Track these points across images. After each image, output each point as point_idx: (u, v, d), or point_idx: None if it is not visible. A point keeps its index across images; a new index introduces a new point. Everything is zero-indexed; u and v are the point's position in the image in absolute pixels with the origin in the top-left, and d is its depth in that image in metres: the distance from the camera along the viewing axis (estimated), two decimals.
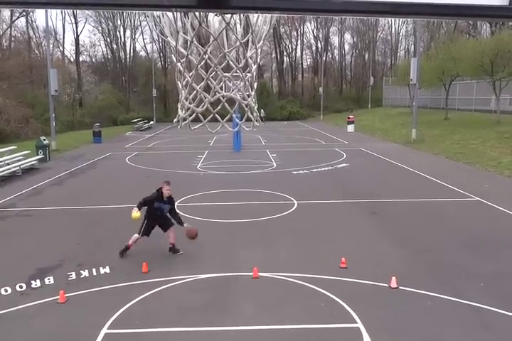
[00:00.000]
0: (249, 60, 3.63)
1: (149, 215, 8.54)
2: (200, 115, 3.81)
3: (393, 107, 50.45)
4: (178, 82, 3.71)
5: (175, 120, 3.87)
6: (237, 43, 3.46)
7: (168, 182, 8.63)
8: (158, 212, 8.52)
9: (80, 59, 58.85)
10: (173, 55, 3.67)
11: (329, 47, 68.71)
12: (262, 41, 3.60)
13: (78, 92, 49.50)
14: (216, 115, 3.87)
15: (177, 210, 8.89)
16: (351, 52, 71.36)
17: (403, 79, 37.16)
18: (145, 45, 68.14)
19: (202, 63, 3.68)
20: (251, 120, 3.94)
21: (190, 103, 3.68)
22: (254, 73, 3.78)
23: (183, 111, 3.73)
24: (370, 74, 59.63)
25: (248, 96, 3.84)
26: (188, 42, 3.43)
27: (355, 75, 70.00)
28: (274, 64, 68.68)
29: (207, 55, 3.47)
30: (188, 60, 3.57)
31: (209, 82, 3.80)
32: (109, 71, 61.26)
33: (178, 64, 3.58)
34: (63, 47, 57.94)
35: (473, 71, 28.53)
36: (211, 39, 3.28)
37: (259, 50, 3.59)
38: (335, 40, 70.11)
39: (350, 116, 36.47)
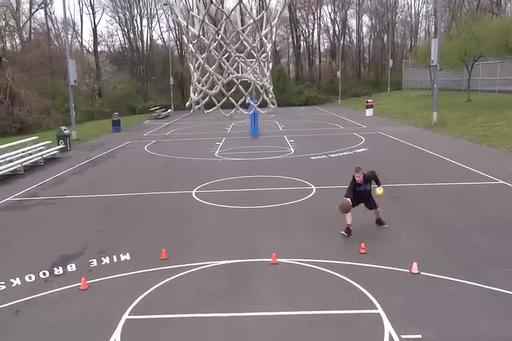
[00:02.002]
0: (263, 39, 3.53)
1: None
2: (213, 98, 3.74)
3: (413, 90, 49.64)
4: (190, 64, 3.64)
5: (187, 103, 3.80)
6: (251, 21, 3.36)
7: (357, 168, 8.77)
8: (362, 193, 8.83)
9: (98, 49, 59.24)
10: (184, 36, 3.61)
11: (347, 31, 67.71)
12: (276, 19, 3.49)
13: (97, 82, 49.79)
14: (230, 98, 3.79)
15: (379, 180, 9.03)
16: (369, 35, 70.21)
17: (423, 60, 36.43)
18: (162, 34, 68.28)
19: (215, 44, 3.59)
20: (266, 103, 3.84)
21: (202, 86, 3.61)
22: (269, 53, 3.68)
23: (196, 94, 3.66)
24: (389, 57, 58.60)
25: (263, 76, 3.75)
26: (200, 22, 3.35)
27: (374, 58, 68.89)
28: (290, 49, 67.98)
29: (219, 35, 3.38)
30: (200, 41, 3.49)
31: (222, 64, 3.71)
32: (126, 60, 61.43)
33: (190, 45, 3.51)
34: (81, 38, 58.38)
35: (497, 50, 27.80)
36: (224, 17, 3.20)
37: (273, 28, 3.49)
38: (353, 22, 69.07)
39: (369, 100, 35.96)
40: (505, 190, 11.67)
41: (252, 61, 3.78)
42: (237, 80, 4.13)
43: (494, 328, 5.41)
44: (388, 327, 5.44)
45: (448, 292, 6.32)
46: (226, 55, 3.97)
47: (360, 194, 8.80)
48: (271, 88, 3.89)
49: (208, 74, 3.65)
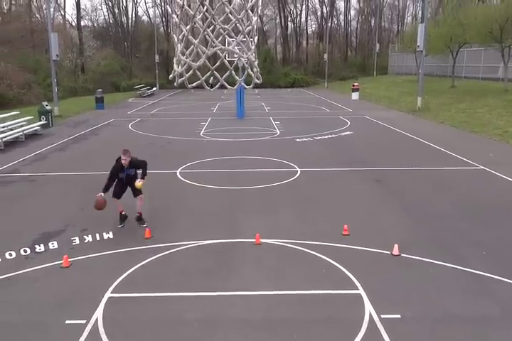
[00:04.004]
0: (249, 11, 3.48)
1: (118, 182, 8.30)
2: (198, 72, 3.67)
3: (399, 75, 49.68)
4: (174, 35, 3.57)
5: (171, 76, 3.73)
6: None
7: (124, 151, 8.15)
8: (125, 179, 8.25)
9: (82, 24, 57.72)
10: (168, 6, 3.54)
11: (335, 13, 67.13)
12: None
13: (80, 58, 48.80)
14: (215, 72, 3.74)
15: (146, 173, 8.35)
16: (357, 18, 69.75)
17: (410, 46, 36.43)
18: (147, 10, 67.08)
19: (200, 16, 3.53)
20: (251, 77, 3.80)
21: (186, 58, 3.54)
22: (255, 26, 3.63)
23: (179, 67, 3.60)
24: (376, 41, 58.36)
25: (248, 50, 3.70)
26: None
27: (361, 42, 68.55)
28: (278, 30, 67.25)
29: (205, 7, 3.32)
30: (184, 12, 3.42)
31: (207, 36, 3.66)
32: (111, 36, 60.13)
33: (174, 15, 3.43)
34: (64, 11, 57.08)
35: (482, 38, 27.87)
36: None
37: (259, 1, 3.43)
38: (341, 5, 68.71)
39: (355, 84, 35.92)
40: (484, 175, 11.86)
41: (238, 34, 3.73)
42: (222, 53, 4.07)
43: (470, 308, 5.56)
44: (369, 307, 5.55)
45: (427, 274, 6.46)
46: (211, 27, 3.90)
47: (123, 179, 8.25)
48: (256, 62, 3.85)
49: (193, 46, 3.58)
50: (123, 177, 8.25)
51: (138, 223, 8.51)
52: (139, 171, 8.32)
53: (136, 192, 8.41)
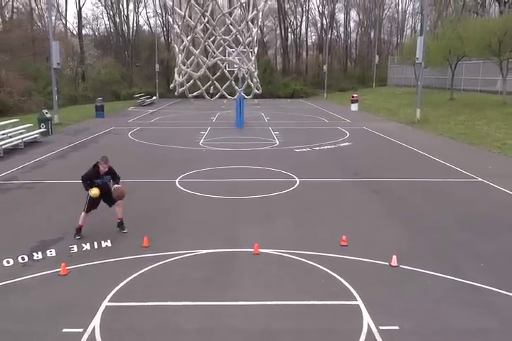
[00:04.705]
0: (249, 23, 3.53)
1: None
2: (198, 82, 3.71)
3: (398, 87, 49.95)
4: (175, 46, 3.61)
5: (172, 85, 3.77)
6: (238, 3, 3.36)
7: (105, 158, 8.17)
8: (101, 187, 8.19)
9: (83, 32, 58.07)
10: (169, 17, 3.59)
11: (335, 25, 67.59)
12: (263, 3, 3.49)
13: (81, 66, 48.96)
14: (215, 82, 3.78)
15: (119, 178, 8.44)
16: (357, 30, 70.23)
17: (409, 58, 36.67)
18: (148, 19, 67.49)
19: (201, 26, 3.58)
20: (251, 88, 3.84)
21: (187, 67, 3.59)
22: (255, 37, 3.67)
23: (180, 76, 3.64)
24: (376, 53, 58.77)
25: (248, 61, 3.74)
26: (186, 2, 3.32)
27: (361, 54, 68.99)
28: (278, 41, 67.68)
29: (206, 18, 3.36)
30: (186, 22, 3.46)
31: (208, 46, 3.70)
32: (112, 45, 60.43)
33: (175, 26, 3.48)
34: (66, 20, 57.19)
35: (481, 51, 28.11)
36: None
37: (260, 13, 3.48)
38: (340, 17, 68.99)
39: (355, 95, 36.09)
40: (483, 187, 11.89)
41: (238, 45, 3.78)
42: (223, 64, 4.12)
43: (468, 320, 5.55)
44: (367, 319, 5.54)
45: (426, 285, 6.45)
46: (212, 38, 3.95)
47: (99, 186, 8.15)
48: (256, 73, 3.89)
49: (193, 56, 3.62)
50: (98, 183, 8.19)
51: (118, 229, 8.51)
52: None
53: (113, 201, 8.39)
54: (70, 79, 46.55)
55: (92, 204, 8.32)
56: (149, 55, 55.12)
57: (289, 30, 66.51)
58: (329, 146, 18.10)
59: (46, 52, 33.77)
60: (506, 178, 12.54)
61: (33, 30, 46.12)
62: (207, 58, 3.92)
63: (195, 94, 4.11)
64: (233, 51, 4.09)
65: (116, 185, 8.26)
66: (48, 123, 21.56)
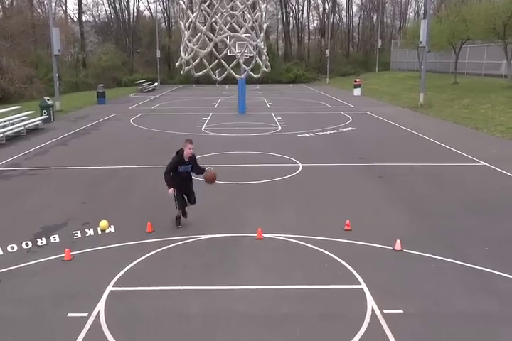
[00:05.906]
0: None
1: (175, 184, 7.77)
2: (204, 60, 3.62)
3: (401, 71, 49.54)
4: (181, 23, 3.52)
5: (177, 63, 3.68)
6: None
7: (190, 140, 7.73)
8: (183, 175, 7.81)
9: (83, 19, 57.62)
10: None
11: (337, 9, 66.85)
12: None
13: (81, 53, 48.76)
14: (222, 60, 3.69)
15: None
16: (359, 14, 69.52)
17: (412, 42, 36.27)
18: (148, 5, 66.75)
19: (208, 2, 3.49)
20: (259, 66, 3.75)
21: (193, 45, 3.49)
22: (264, 13, 3.58)
23: (186, 54, 3.55)
24: (378, 37, 58.15)
25: (257, 37, 3.66)
26: None
27: (363, 38, 68.34)
28: (280, 25, 67.01)
29: None
30: None
31: (214, 24, 3.61)
32: (112, 31, 60.02)
33: (181, 1, 3.39)
34: (66, 6, 56.75)
35: (485, 34, 27.77)
36: None
37: None
38: (343, 1, 68.42)
39: (357, 80, 35.83)
40: (487, 171, 11.83)
41: (246, 21, 3.68)
42: (229, 41, 4.01)
43: (472, 304, 5.54)
44: (371, 302, 5.54)
45: (430, 269, 6.44)
46: (219, 14, 3.84)
47: (181, 175, 7.76)
48: (265, 49, 3.79)
49: (200, 33, 3.52)
50: (182, 172, 7.74)
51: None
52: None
53: (193, 197, 8.03)
54: (71, 66, 46.43)
55: (182, 200, 7.91)
56: (150, 41, 54.68)
57: (291, 14, 65.92)
58: (332, 131, 18.00)
59: (47, 39, 33.56)
60: (510, 162, 12.47)
61: (33, 16, 45.67)
62: (214, 35, 3.81)
63: (201, 73, 4.02)
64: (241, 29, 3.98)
65: (209, 167, 7.75)
66: (50, 110, 21.51)
